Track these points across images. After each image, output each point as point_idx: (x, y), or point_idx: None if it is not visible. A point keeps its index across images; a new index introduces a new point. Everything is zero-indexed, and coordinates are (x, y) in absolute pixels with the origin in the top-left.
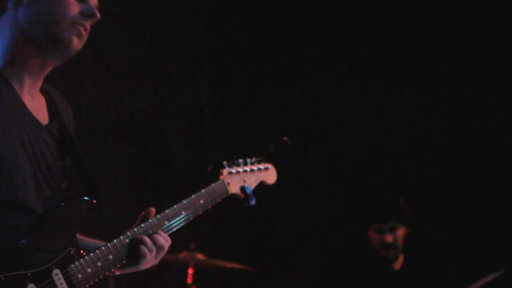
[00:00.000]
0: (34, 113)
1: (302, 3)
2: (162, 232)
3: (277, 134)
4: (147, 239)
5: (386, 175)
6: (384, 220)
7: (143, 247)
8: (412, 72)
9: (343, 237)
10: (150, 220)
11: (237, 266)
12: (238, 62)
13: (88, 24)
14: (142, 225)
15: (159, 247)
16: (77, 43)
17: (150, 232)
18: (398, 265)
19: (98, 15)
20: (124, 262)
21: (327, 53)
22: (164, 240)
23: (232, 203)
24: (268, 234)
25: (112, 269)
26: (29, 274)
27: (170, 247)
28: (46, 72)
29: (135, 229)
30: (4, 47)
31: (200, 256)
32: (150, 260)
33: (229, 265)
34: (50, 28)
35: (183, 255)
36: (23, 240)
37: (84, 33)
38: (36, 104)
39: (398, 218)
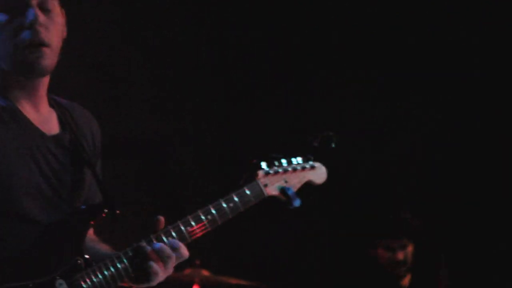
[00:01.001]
0: (38, 124)
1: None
2: (172, 241)
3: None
4: (150, 252)
5: (393, 191)
6: (395, 237)
7: (149, 262)
8: (422, 82)
9: (349, 253)
10: (159, 231)
11: (242, 282)
12: (243, 69)
13: (38, 31)
14: (151, 235)
15: (165, 257)
16: (43, 61)
17: (155, 244)
18: (406, 281)
19: (40, 19)
20: (132, 275)
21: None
22: (171, 250)
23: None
24: (273, 250)
25: (127, 284)
26: (31, 285)
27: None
28: (39, 83)
29: (142, 241)
30: None
31: (205, 272)
32: (159, 272)
33: (234, 281)
34: (10, 61)
35: (187, 271)
36: (26, 251)
37: (41, 49)
38: (42, 116)
39: (408, 235)
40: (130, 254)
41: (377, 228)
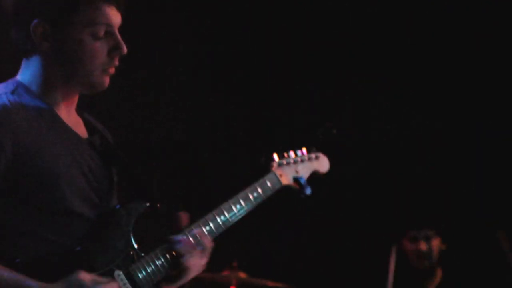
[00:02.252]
0: (73, 127)
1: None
2: (195, 233)
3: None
4: (179, 248)
5: (418, 184)
6: (418, 226)
7: (181, 259)
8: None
9: (379, 252)
10: (191, 225)
11: (279, 285)
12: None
13: (117, 61)
14: (185, 230)
15: (199, 244)
16: (107, 82)
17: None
18: (432, 285)
19: (125, 51)
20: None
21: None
22: (195, 241)
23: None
24: (308, 254)
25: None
26: None
27: (212, 265)
28: (77, 94)
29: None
30: (39, 80)
31: (242, 274)
32: (194, 264)
33: (271, 283)
34: (82, 78)
35: (225, 273)
36: (80, 246)
37: (113, 71)
38: (74, 121)
39: (432, 226)
40: (163, 250)
41: (403, 219)
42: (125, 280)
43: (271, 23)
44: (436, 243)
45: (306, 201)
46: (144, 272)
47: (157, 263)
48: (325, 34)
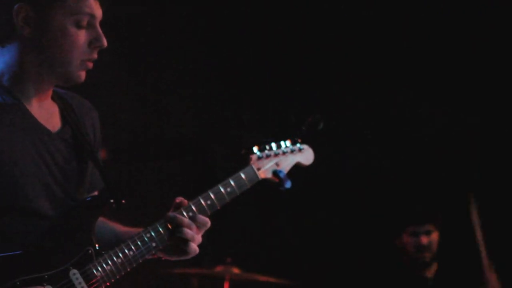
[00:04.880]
0: (43, 121)
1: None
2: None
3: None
4: (182, 219)
5: (419, 178)
6: (420, 222)
7: (184, 230)
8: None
9: (376, 245)
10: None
11: (272, 279)
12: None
13: (96, 55)
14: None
15: (200, 225)
16: (83, 76)
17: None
18: (430, 272)
19: (106, 44)
20: (168, 243)
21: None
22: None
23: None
24: (302, 248)
25: (160, 255)
26: (45, 276)
27: (206, 261)
28: (51, 86)
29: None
30: (12, 70)
31: (235, 270)
32: (195, 237)
33: (264, 278)
34: (60, 68)
35: (219, 269)
36: (39, 244)
37: (91, 66)
38: (46, 113)
39: (434, 222)
40: (165, 224)
41: (404, 214)
42: (81, 279)
43: (256, 16)
44: (435, 236)
45: (302, 197)
46: (102, 270)
47: (118, 260)
48: (312, 27)
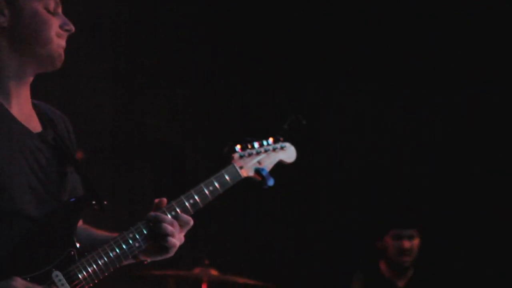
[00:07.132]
0: (24, 122)
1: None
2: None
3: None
4: (164, 216)
5: (404, 182)
6: (404, 226)
7: (164, 225)
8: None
9: (356, 247)
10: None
11: (250, 282)
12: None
13: (65, 43)
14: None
15: (183, 224)
16: (63, 56)
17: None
18: (402, 282)
19: (74, 29)
20: (151, 242)
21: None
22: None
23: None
24: (280, 250)
25: (142, 258)
26: (28, 279)
27: (184, 263)
28: (30, 80)
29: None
30: None
31: (213, 272)
32: (176, 236)
33: (242, 280)
34: (43, 48)
35: (196, 271)
36: (21, 246)
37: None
38: (26, 115)
39: (418, 227)
40: (147, 224)
41: (389, 217)
42: (64, 281)
43: (235, 17)
44: (417, 242)
45: (282, 198)
46: (85, 272)
47: (101, 261)
48: (300, 25)
